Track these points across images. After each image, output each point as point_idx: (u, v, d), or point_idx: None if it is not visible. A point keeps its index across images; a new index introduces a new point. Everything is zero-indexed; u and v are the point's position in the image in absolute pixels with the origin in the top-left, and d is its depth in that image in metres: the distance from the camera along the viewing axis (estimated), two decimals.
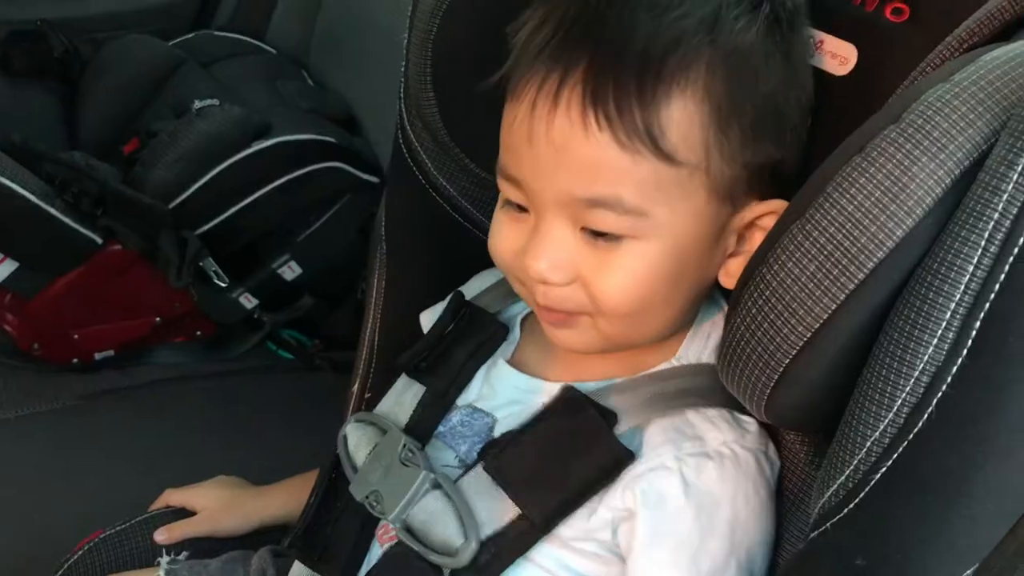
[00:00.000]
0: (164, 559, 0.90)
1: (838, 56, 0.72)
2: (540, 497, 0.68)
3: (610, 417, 0.68)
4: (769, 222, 0.65)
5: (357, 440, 0.79)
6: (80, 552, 0.94)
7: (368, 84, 1.63)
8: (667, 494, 0.66)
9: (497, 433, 0.76)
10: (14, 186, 1.22)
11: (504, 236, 0.71)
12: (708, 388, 0.70)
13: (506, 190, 0.70)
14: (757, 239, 0.67)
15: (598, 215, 0.64)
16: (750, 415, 0.70)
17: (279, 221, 1.49)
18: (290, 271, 1.52)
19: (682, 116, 0.62)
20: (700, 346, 0.74)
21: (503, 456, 0.70)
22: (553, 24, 0.64)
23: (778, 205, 0.66)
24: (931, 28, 0.65)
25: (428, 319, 0.88)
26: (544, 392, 0.75)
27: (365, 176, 1.50)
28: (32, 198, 1.24)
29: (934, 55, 0.62)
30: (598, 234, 0.65)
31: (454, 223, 0.93)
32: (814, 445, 0.69)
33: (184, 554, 0.92)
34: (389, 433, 0.77)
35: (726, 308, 0.74)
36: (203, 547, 0.95)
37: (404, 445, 0.75)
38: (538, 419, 0.71)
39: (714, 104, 0.62)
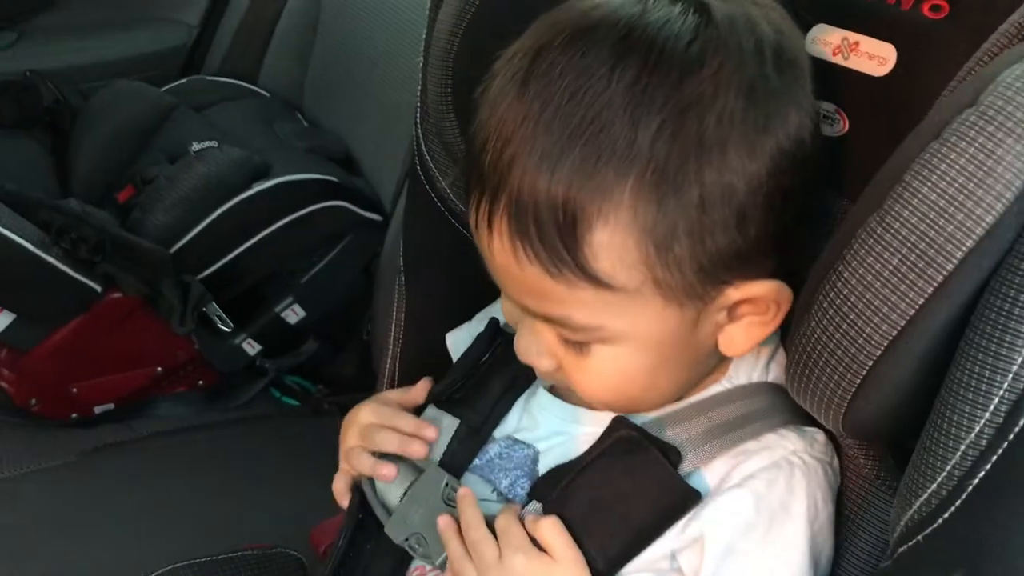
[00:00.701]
0: None
1: (876, 57, 0.70)
2: (603, 542, 0.66)
3: (673, 455, 0.66)
4: (758, 300, 0.62)
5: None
6: None
7: (364, 123, 1.61)
8: (737, 511, 0.64)
9: (542, 466, 0.73)
10: (10, 235, 1.19)
11: (505, 307, 0.72)
12: (766, 410, 0.69)
13: None
14: (748, 310, 0.63)
15: (556, 327, 0.64)
16: (816, 426, 0.68)
17: (282, 263, 1.46)
18: (293, 314, 1.48)
19: (611, 242, 0.58)
20: (751, 364, 0.71)
21: (563, 498, 0.67)
22: (484, 135, 0.61)
23: (761, 289, 0.61)
24: (971, 22, 0.63)
25: (454, 340, 0.86)
26: (589, 422, 0.72)
27: (367, 214, 1.47)
28: (29, 247, 1.21)
29: (990, 44, 0.60)
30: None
31: (475, 251, 0.91)
32: (879, 459, 0.66)
33: None
34: (428, 471, 0.74)
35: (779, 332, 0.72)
36: None
37: (447, 484, 0.73)
38: (594, 456, 0.68)
39: (645, 222, 0.57)
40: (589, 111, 0.56)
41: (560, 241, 0.57)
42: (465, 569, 0.68)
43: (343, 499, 0.80)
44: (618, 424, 0.69)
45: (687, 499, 0.65)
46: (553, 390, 0.76)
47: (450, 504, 0.72)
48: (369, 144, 1.60)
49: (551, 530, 0.66)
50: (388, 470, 0.75)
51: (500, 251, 0.60)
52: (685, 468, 0.66)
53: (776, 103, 0.59)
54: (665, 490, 0.65)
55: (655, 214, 0.56)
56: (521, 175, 0.57)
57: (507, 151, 0.58)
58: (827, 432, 0.69)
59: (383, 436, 0.76)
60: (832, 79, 0.67)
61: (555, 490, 0.68)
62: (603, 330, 0.62)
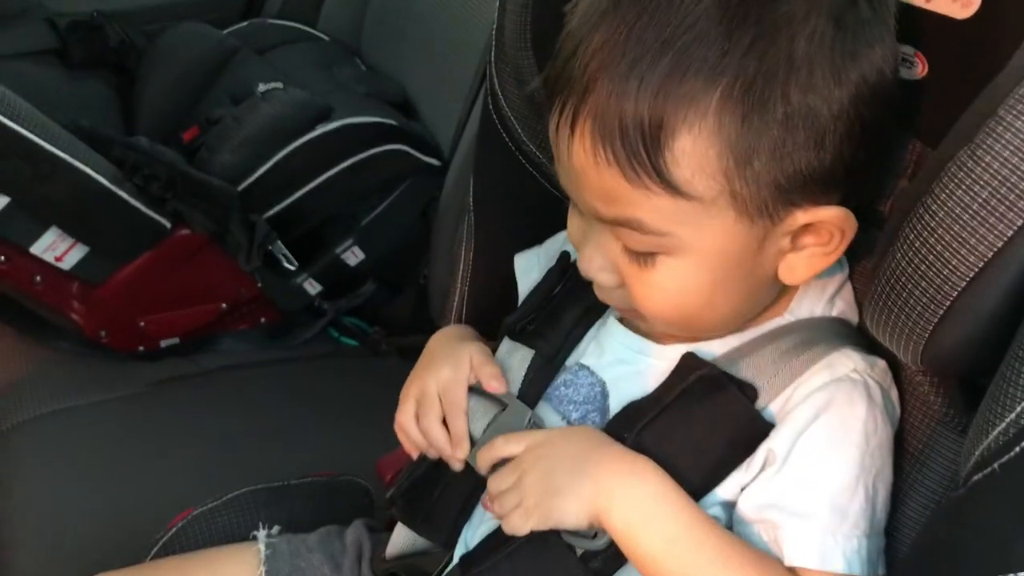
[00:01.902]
0: (261, 533, 0.89)
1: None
2: (683, 481, 0.67)
3: (749, 391, 0.67)
4: (822, 228, 0.64)
5: (472, 408, 0.77)
6: (174, 529, 0.94)
7: (422, 68, 1.62)
8: (799, 419, 0.66)
9: (613, 401, 0.75)
10: (87, 170, 1.22)
11: (571, 225, 0.72)
12: (828, 337, 0.70)
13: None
14: (812, 240, 0.65)
15: (623, 233, 0.64)
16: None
17: (343, 205, 1.47)
18: (353, 256, 1.50)
19: (693, 150, 0.59)
20: (814, 300, 0.72)
21: (643, 437, 0.69)
22: (574, 42, 0.62)
23: (829, 214, 0.63)
24: None
25: (522, 263, 0.88)
26: (656, 355, 0.74)
27: (426, 159, 1.49)
28: (104, 182, 1.23)
29: None
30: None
31: (544, 191, 0.92)
32: (949, 396, 0.67)
33: (276, 528, 0.91)
34: (512, 406, 0.76)
35: (847, 270, 0.73)
36: (296, 522, 0.94)
37: (531, 419, 0.75)
38: (671, 395, 0.69)
39: (729, 134, 0.59)
40: (683, 22, 0.57)
41: (642, 146, 0.59)
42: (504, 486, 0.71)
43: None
44: (689, 360, 0.70)
45: (762, 431, 0.66)
46: (623, 321, 0.77)
47: None
48: (427, 90, 1.61)
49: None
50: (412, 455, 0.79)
51: (580, 154, 0.62)
52: (761, 403, 0.67)
53: (864, 34, 0.60)
54: (742, 425, 0.67)
55: (739, 127, 0.58)
56: (610, 79, 0.59)
57: (598, 56, 0.59)
58: (890, 367, 0.70)
59: (429, 426, 0.76)
60: (912, 22, 0.67)
61: (633, 430, 0.69)
62: (671, 238, 0.63)
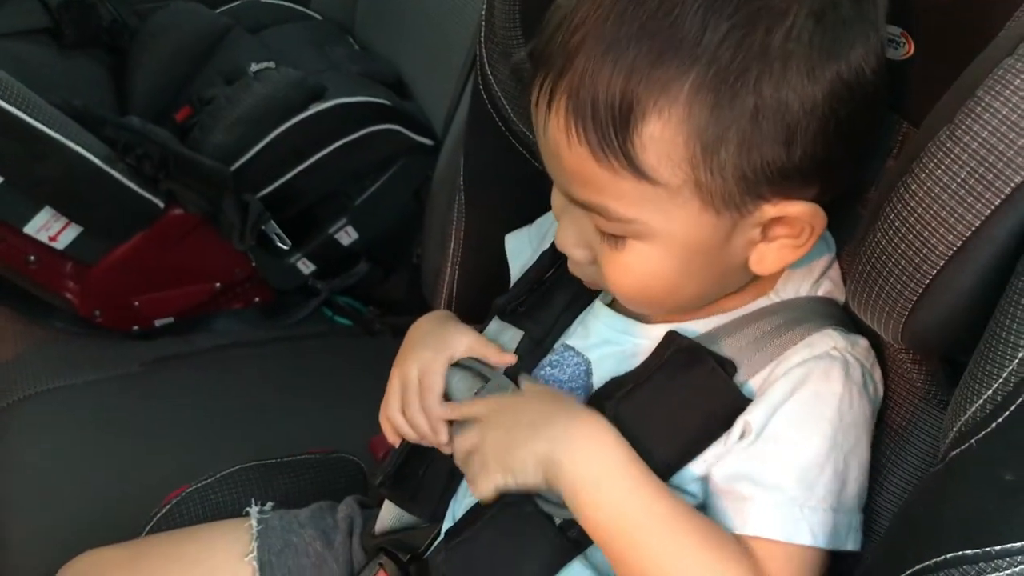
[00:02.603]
0: (254, 509, 0.90)
1: None
2: (659, 452, 0.68)
3: (728, 367, 0.68)
4: (793, 221, 0.64)
5: (455, 384, 0.78)
6: (168, 506, 0.95)
7: (415, 47, 1.62)
8: (776, 393, 0.67)
9: (596, 378, 0.76)
10: (79, 149, 1.22)
11: (553, 198, 0.73)
12: (812, 316, 0.70)
13: None
14: (782, 231, 0.65)
15: (593, 216, 0.65)
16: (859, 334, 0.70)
17: (336, 185, 1.48)
18: (347, 236, 1.51)
19: (661, 136, 0.60)
20: (800, 281, 0.73)
21: (621, 408, 0.69)
22: (559, 17, 0.63)
23: (797, 209, 0.63)
24: None
25: (512, 242, 0.89)
26: (642, 334, 0.74)
27: (419, 138, 1.49)
28: (97, 161, 1.24)
29: None
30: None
31: (533, 171, 0.92)
32: (931, 374, 0.68)
33: (270, 504, 0.92)
34: (494, 380, 0.77)
35: (834, 250, 0.73)
36: (290, 498, 0.95)
37: (512, 392, 0.75)
38: (653, 369, 0.70)
39: (698, 122, 0.59)
40: (662, 5, 0.58)
41: (612, 126, 0.59)
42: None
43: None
44: (671, 337, 0.71)
45: (739, 405, 0.67)
46: (609, 303, 0.78)
47: None
48: (420, 69, 1.61)
49: (529, 383, 0.73)
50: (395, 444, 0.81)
51: (555, 129, 0.62)
52: (738, 379, 0.68)
53: (844, 32, 0.60)
54: (720, 398, 0.68)
55: (708, 115, 0.58)
56: (587, 58, 0.59)
57: (577, 34, 0.60)
58: (874, 346, 0.71)
59: (413, 415, 0.78)
60: (899, 2, 0.68)
61: (612, 399, 0.70)
62: (638, 224, 0.63)
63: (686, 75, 0.58)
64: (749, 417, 0.67)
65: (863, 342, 0.70)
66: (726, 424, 0.68)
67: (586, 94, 0.60)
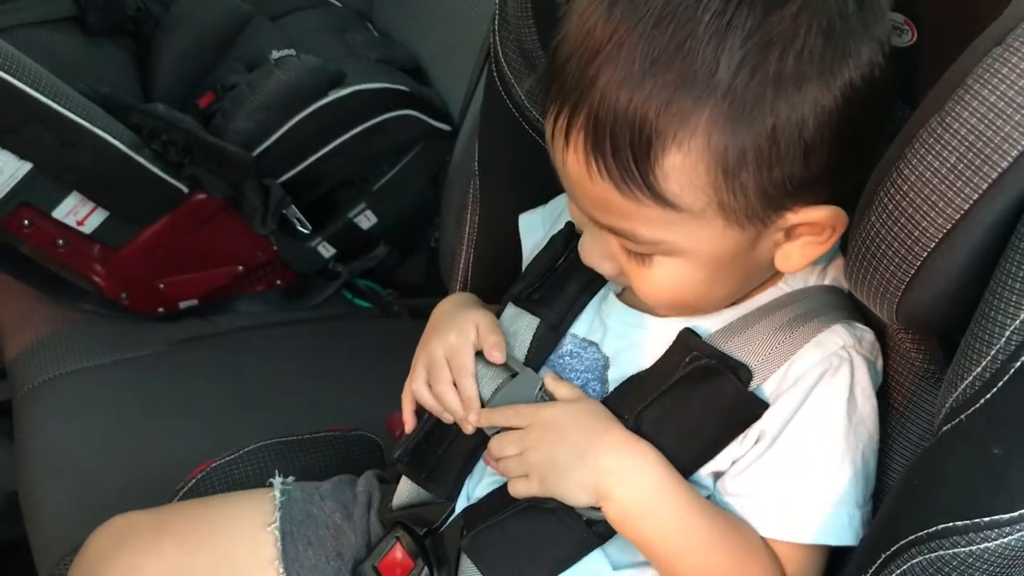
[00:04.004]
0: (277, 480, 0.93)
1: None
2: (677, 458, 0.71)
3: (743, 373, 0.70)
4: (814, 227, 0.66)
5: (481, 372, 0.80)
6: (194, 480, 0.98)
7: (434, 33, 1.64)
8: (790, 401, 0.69)
9: (612, 372, 0.78)
10: (106, 136, 1.25)
11: (571, 210, 0.74)
12: (820, 309, 0.72)
13: None
14: (807, 230, 0.67)
15: (619, 238, 0.67)
16: (865, 325, 0.72)
17: (355, 170, 1.50)
18: (366, 220, 1.53)
19: (682, 166, 0.61)
20: (808, 270, 0.75)
21: (641, 420, 0.72)
22: (569, 47, 0.63)
23: (820, 214, 0.64)
24: None
25: (526, 223, 0.90)
26: (654, 328, 0.76)
27: (437, 124, 1.51)
28: (123, 147, 1.26)
29: None
30: None
31: (547, 156, 0.94)
32: (929, 352, 0.70)
33: (291, 478, 0.95)
34: (524, 375, 0.79)
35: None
36: (310, 473, 0.98)
37: (540, 389, 0.78)
38: (668, 379, 0.72)
39: (717, 149, 0.60)
40: (674, 39, 0.58)
41: (633, 161, 0.60)
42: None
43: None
44: (685, 339, 0.73)
45: (755, 411, 0.70)
46: (623, 297, 0.80)
47: None
48: (438, 55, 1.63)
49: (557, 383, 0.76)
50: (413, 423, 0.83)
51: (574, 164, 0.63)
52: (753, 384, 0.70)
53: (853, 42, 0.61)
54: (736, 407, 0.70)
55: (727, 142, 0.59)
56: (602, 95, 0.60)
57: (590, 69, 0.60)
58: (876, 327, 0.73)
59: (442, 391, 0.80)
60: None
61: (632, 412, 0.72)
62: (665, 244, 0.65)
63: (703, 107, 0.59)
64: (764, 425, 0.70)
65: (869, 336, 0.72)
66: (742, 429, 0.71)
67: (604, 130, 0.61)
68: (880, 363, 0.73)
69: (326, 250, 1.52)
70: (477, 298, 0.91)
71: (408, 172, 1.52)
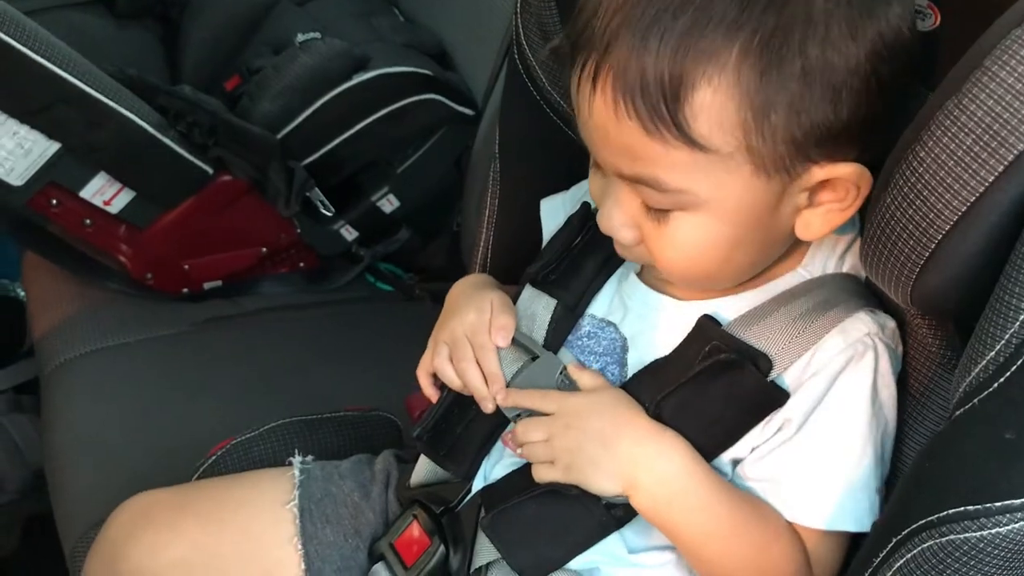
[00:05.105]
0: (296, 459, 0.94)
1: None
2: (696, 445, 0.71)
3: (763, 363, 0.70)
4: (839, 184, 0.65)
5: (501, 354, 0.80)
6: (214, 457, 1.00)
7: (459, 19, 1.64)
8: (814, 390, 0.69)
9: (632, 355, 0.78)
10: (133, 117, 1.26)
11: (592, 182, 0.74)
12: (840, 296, 0.72)
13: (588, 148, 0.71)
14: (829, 197, 0.66)
15: (642, 190, 0.66)
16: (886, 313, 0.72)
17: (379, 154, 1.51)
18: (389, 204, 1.54)
19: (712, 104, 0.61)
20: (826, 256, 0.74)
21: (662, 408, 0.72)
22: (594, 4, 0.64)
23: (846, 170, 0.64)
24: None
25: (549, 207, 0.90)
26: (674, 310, 0.76)
27: (460, 108, 1.51)
28: (149, 128, 1.28)
29: None
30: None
31: (568, 140, 0.95)
32: (945, 338, 0.70)
33: (311, 457, 0.96)
34: (543, 358, 0.79)
35: (857, 221, 0.75)
36: (329, 452, 0.99)
37: (561, 373, 0.78)
38: (689, 369, 0.72)
39: (748, 89, 0.60)
40: None
41: (662, 100, 0.60)
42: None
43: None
44: (705, 326, 0.73)
45: (776, 400, 0.70)
46: (643, 278, 0.80)
47: (563, 390, 0.77)
48: (463, 39, 1.63)
49: (580, 371, 0.76)
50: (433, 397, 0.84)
51: (601, 108, 0.63)
52: (773, 374, 0.70)
53: None
54: (756, 396, 0.70)
55: (757, 81, 0.60)
56: (631, 35, 0.60)
57: (620, 13, 0.61)
58: (893, 314, 0.73)
59: (465, 367, 0.79)
60: None
61: (652, 401, 0.73)
62: (689, 194, 0.64)
63: (732, 43, 0.59)
64: (788, 414, 0.70)
65: (891, 324, 0.72)
66: (762, 417, 0.71)
67: (633, 71, 0.61)
68: (900, 350, 0.73)
69: (349, 233, 1.53)
70: (493, 279, 0.91)
71: (431, 156, 1.53)
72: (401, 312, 1.54)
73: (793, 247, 0.74)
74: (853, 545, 0.73)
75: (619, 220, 0.69)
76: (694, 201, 0.65)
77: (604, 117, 0.64)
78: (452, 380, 0.81)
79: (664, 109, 0.61)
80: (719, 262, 0.69)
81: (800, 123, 0.61)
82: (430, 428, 0.85)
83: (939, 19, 0.72)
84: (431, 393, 0.85)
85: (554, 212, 0.90)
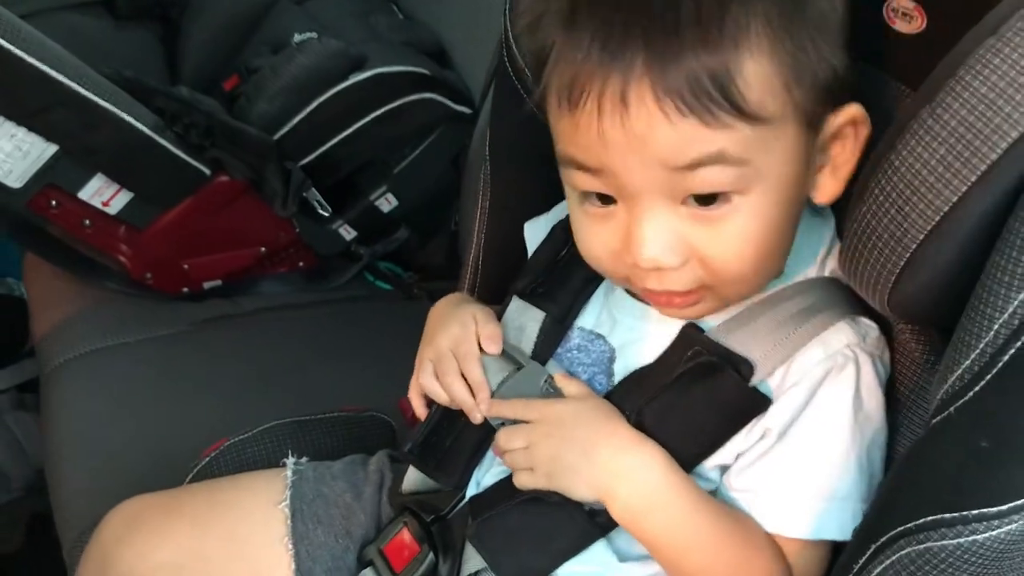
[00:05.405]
0: (290, 460, 0.94)
1: None
2: (680, 452, 0.71)
3: (745, 369, 0.70)
4: (845, 131, 0.66)
5: (487, 364, 0.81)
6: (207, 459, 1.00)
7: (458, 16, 1.64)
8: (795, 400, 0.69)
9: (618, 365, 0.78)
10: (129, 119, 1.27)
11: (595, 238, 0.70)
12: (823, 303, 0.72)
13: (581, 181, 0.67)
14: (838, 149, 0.67)
15: (701, 175, 0.62)
16: (869, 320, 0.72)
17: (376, 153, 1.51)
18: (387, 203, 1.55)
19: (757, 75, 0.60)
20: (806, 261, 0.74)
21: (644, 415, 0.72)
22: (593, 23, 0.62)
23: (853, 112, 0.65)
24: None
25: (533, 230, 0.90)
26: (659, 321, 0.76)
27: (458, 107, 1.51)
28: (146, 130, 1.28)
29: None
30: (703, 201, 0.64)
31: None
32: (928, 343, 0.70)
33: (305, 458, 0.96)
34: (528, 367, 0.79)
35: (832, 222, 0.75)
36: (323, 453, 0.99)
37: (546, 382, 0.78)
38: (671, 374, 0.72)
39: (781, 49, 0.61)
40: None
41: (715, 86, 0.59)
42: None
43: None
44: (688, 334, 0.73)
45: (758, 406, 0.70)
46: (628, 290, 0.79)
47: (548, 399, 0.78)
48: (461, 38, 1.63)
49: (566, 380, 0.76)
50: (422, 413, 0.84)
51: (642, 120, 0.60)
52: (755, 379, 0.70)
53: None
54: (738, 402, 0.70)
55: (785, 40, 0.61)
56: (658, 36, 0.59)
57: (617, 27, 0.60)
58: (880, 325, 0.73)
59: (450, 381, 0.80)
60: None
61: (634, 407, 0.73)
62: (749, 168, 0.62)
63: (755, 10, 0.60)
64: (769, 423, 0.70)
65: (874, 332, 0.72)
66: (744, 423, 0.71)
67: (673, 71, 0.59)
68: (887, 356, 0.73)
69: (347, 232, 1.54)
70: (469, 297, 0.91)
71: (429, 155, 1.53)
72: (400, 311, 1.54)
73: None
74: (836, 554, 0.73)
75: (663, 243, 0.65)
76: (752, 175, 0.63)
77: (648, 125, 0.61)
78: (439, 395, 0.82)
79: (720, 95, 0.60)
80: (771, 249, 0.67)
81: (824, 72, 0.63)
82: (420, 443, 0.86)
83: (925, 21, 0.72)
84: (422, 413, 0.86)
85: (537, 234, 0.89)
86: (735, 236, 0.65)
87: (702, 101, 0.60)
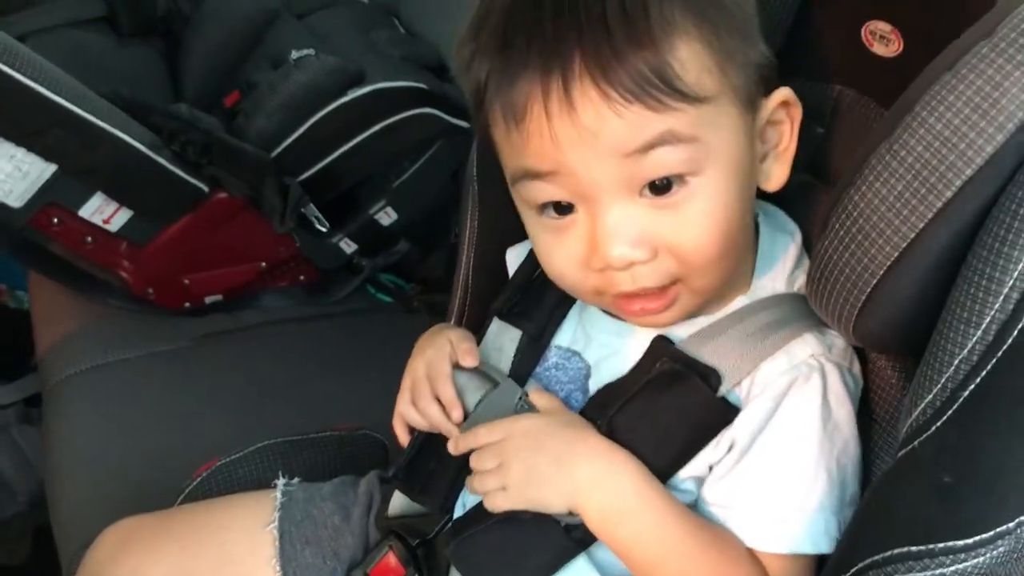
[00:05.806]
0: (280, 481, 0.95)
1: None
2: (652, 461, 0.71)
3: (713, 379, 0.70)
4: (779, 115, 0.68)
5: (464, 384, 0.81)
6: (199, 479, 1.01)
7: (458, 31, 1.64)
8: (760, 411, 0.69)
9: (593, 381, 0.79)
10: (127, 138, 1.28)
11: (558, 252, 0.70)
12: (790, 317, 0.72)
13: (537, 192, 0.68)
14: (774, 136, 0.69)
15: (654, 157, 0.64)
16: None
17: (375, 168, 1.52)
18: (387, 216, 1.55)
19: (690, 57, 0.63)
20: (775, 276, 0.75)
21: (614, 423, 0.73)
22: (526, 36, 0.63)
23: (784, 94, 0.68)
24: None
25: (515, 256, 0.90)
26: (632, 336, 0.77)
27: (456, 122, 1.52)
28: (143, 149, 1.30)
29: None
30: (660, 190, 0.65)
31: None
32: (904, 369, 0.70)
33: (296, 479, 0.97)
34: (503, 385, 0.80)
35: (798, 238, 0.75)
36: (314, 472, 1.00)
37: (520, 398, 0.79)
38: (640, 385, 0.73)
39: (708, 31, 0.63)
40: None
41: (653, 73, 0.61)
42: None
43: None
44: (658, 345, 0.73)
45: (726, 416, 0.70)
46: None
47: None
48: None
49: (539, 395, 0.77)
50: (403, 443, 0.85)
51: (588, 115, 0.62)
52: (723, 388, 0.70)
53: None
54: (706, 411, 0.70)
55: (710, 23, 0.63)
56: (587, 41, 0.61)
57: (564, 33, 0.62)
58: (857, 349, 0.72)
59: (425, 405, 0.81)
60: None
61: (605, 416, 0.73)
62: (700, 145, 0.64)
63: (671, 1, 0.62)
64: (735, 434, 0.70)
65: (840, 343, 0.72)
66: (714, 433, 0.71)
67: (609, 60, 0.61)
68: (856, 368, 0.73)
69: (348, 246, 1.55)
70: (450, 324, 0.92)
71: (428, 169, 1.54)
72: (401, 324, 1.54)
73: (741, 274, 0.74)
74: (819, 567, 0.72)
75: (629, 237, 0.66)
76: (704, 154, 0.64)
77: (597, 119, 0.62)
78: (417, 421, 0.83)
79: (657, 80, 0.62)
80: (732, 231, 0.68)
81: (752, 55, 0.66)
82: (405, 467, 0.87)
83: (902, 45, 0.72)
84: (404, 440, 0.86)
85: (519, 259, 0.90)
86: (697, 218, 0.66)
87: (644, 88, 0.62)
